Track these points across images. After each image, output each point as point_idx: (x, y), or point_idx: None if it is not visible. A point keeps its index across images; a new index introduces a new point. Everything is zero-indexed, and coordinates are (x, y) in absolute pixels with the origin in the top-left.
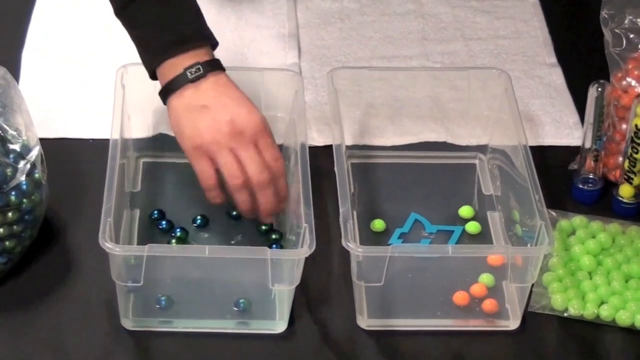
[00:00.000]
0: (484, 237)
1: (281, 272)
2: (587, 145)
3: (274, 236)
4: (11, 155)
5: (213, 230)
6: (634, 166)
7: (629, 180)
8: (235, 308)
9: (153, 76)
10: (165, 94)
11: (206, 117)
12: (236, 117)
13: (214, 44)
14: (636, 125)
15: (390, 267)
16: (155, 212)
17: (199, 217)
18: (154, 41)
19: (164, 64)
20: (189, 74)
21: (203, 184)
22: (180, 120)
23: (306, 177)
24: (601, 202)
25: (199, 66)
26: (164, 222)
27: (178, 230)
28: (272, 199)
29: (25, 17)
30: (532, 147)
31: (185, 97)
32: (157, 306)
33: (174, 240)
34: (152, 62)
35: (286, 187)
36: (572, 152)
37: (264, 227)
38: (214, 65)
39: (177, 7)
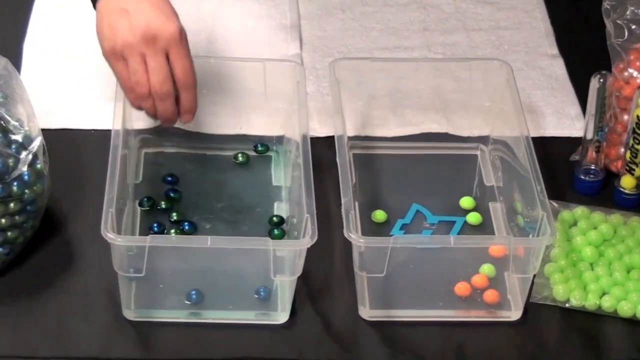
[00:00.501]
0: (485, 228)
1: (283, 262)
2: (589, 136)
3: (275, 230)
4: (13, 146)
5: (216, 220)
6: (636, 157)
7: (630, 171)
8: (256, 296)
9: None
10: (95, 1)
11: (124, 19)
12: (151, 23)
13: None
14: (638, 116)
15: (392, 258)
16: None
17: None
18: None
19: None
20: None
21: (121, 85)
22: (101, 22)
23: (308, 168)
24: (603, 193)
25: None
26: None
27: (186, 224)
28: (172, 109)
29: (27, 7)
30: (533, 138)
31: (109, 2)
32: (187, 302)
33: (172, 231)
34: None
35: (192, 100)
36: (573, 143)
37: (274, 219)
38: None
39: None
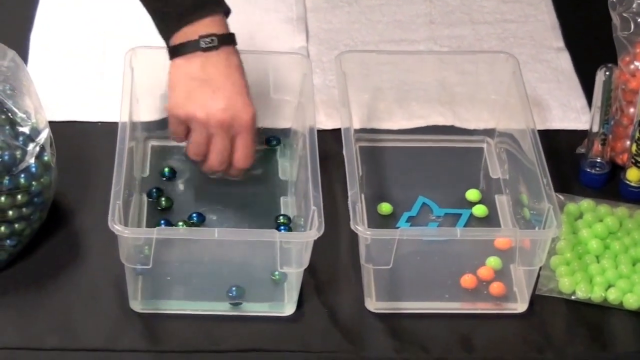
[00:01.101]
0: (491, 220)
1: (290, 254)
2: (595, 129)
3: (282, 219)
4: (20, 138)
5: (223, 213)
6: None
7: (636, 164)
8: (230, 294)
9: (169, 43)
10: (174, 53)
11: (203, 93)
12: (229, 108)
13: (227, 11)
14: None
15: (398, 250)
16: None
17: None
18: (170, 8)
19: (180, 31)
20: (202, 42)
21: (170, 136)
22: (179, 84)
23: (314, 161)
24: (608, 186)
25: (214, 37)
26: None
27: (195, 215)
28: (219, 175)
29: (33, 0)
30: (539, 131)
31: (191, 64)
32: (230, 294)
33: (180, 223)
34: (168, 30)
35: (240, 174)
36: (579, 136)
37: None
38: (228, 40)
39: None
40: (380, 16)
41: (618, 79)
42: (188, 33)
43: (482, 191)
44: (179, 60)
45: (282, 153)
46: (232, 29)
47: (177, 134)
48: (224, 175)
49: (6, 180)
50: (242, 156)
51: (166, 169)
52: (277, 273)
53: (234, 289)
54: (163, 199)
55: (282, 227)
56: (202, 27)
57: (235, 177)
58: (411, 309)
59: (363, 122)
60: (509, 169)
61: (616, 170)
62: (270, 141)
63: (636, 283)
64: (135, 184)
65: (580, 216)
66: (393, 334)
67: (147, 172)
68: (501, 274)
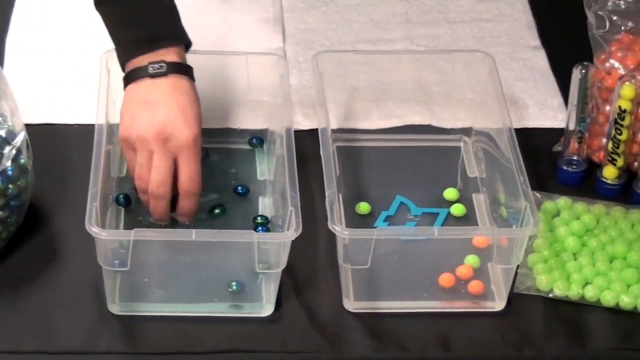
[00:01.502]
0: (468, 219)
1: (267, 255)
2: (571, 127)
3: (259, 219)
4: None
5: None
6: (618, 147)
7: (612, 161)
8: (229, 289)
9: (124, 70)
10: (126, 80)
11: (145, 113)
12: (169, 124)
13: (187, 44)
14: (619, 107)
15: (376, 249)
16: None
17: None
18: (127, 38)
19: (133, 60)
20: (150, 68)
21: (129, 173)
22: (127, 109)
23: (292, 161)
24: (585, 184)
25: (164, 64)
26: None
27: (121, 196)
28: (163, 211)
29: (9, 2)
30: (516, 130)
31: (138, 88)
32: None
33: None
34: (123, 57)
35: (193, 207)
36: (556, 134)
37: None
38: (181, 69)
39: (152, 4)
40: (356, 16)
41: (594, 77)
42: (140, 61)
43: (460, 190)
44: (130, 87)
45: (260, 153)
46: (208, 30)
47: (131, 163)
48: (174, 216)
49: None
50: (186, 178)
51: (121, 197)
52: (233, 283)
53: (233, 283)
54: (121, 195)
55: (260, 228)
56: (154, 56)
57: (184, 221)
58: (389, 308)
59: (340, 122)
60: (486, 167)
61: (593, 168)
62: (252, 141)
63: (613, 280)
64: (112, 185)
65: (557, 214)
66: (372, 333)
67: (123, 173)
68: (479, 273)
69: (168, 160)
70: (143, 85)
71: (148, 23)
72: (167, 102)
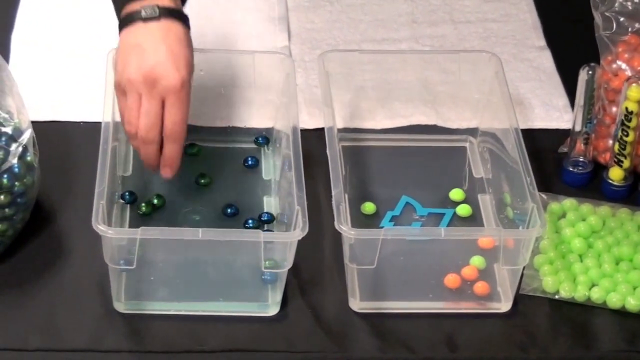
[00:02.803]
0: (474, 220)
1: (274, 254)
2: (578, 128)
3: (265, 217)
4: (3, 138)
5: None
6: (624, 149)
7: (619, 163)
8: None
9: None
10: (120, 27)
11: (135, 56)
12: (157, 66)
13: None
14: (626, 108)
15: (382, 249)
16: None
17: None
18: None
19: (127, 5)
20: (143, 12)
21: (122, 121)
22: (118, 54)
23: (298, 160)
24: (591, 185)
25: (156, 8)
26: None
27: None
28: (153, 156)
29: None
30: (521, 130)
31: (131, 33)
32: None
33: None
34: (119, 4)
35: (175, 154)
36: (561, 135)
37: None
38: (174, 14)
39: None
40: (362, 15)
41: (600, 78)
42: (134, 6)
43: (466, 191)
44: (123, 33)
45: (266, 153)
46: (213, 29)
47: (122, 109)
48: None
49: None
50: (170, 121)
51: (126, 193)
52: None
53: (228, 209)
54: (143, 204)
55: (266, 227)
56: (147, 1)
57: (166, 176)
58: (395, 308)
59: (346, 122)
60: (492, 168)
61: (599, 169)
62: (258, 140)
63: (619, 282)
64: (118, 183)
65: (563, 215)
66: (377, 333)
67: (129, 172)
68: (485, 274)
69: (156, 104)
70: (135, 29)
71: None
72: (157, 46)
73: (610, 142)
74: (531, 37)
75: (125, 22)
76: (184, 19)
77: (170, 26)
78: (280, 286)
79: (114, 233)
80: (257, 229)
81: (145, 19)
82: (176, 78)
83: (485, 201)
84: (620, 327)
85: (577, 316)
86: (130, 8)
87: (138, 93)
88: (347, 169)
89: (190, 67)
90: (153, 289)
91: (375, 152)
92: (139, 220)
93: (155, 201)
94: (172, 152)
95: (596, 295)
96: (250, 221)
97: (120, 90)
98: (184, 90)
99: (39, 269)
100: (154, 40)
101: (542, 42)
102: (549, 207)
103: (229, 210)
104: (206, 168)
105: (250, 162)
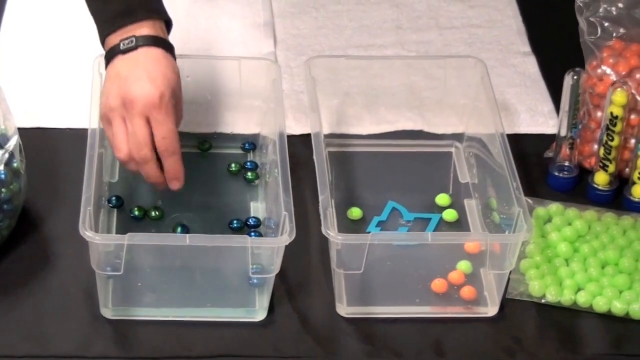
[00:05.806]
0: (460, 224)
1: (261, 260)
2: (563, 133)
3: (252, 222)
4: None
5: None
6: (609, 154)
7: (604, 167)
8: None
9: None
10: (106, 62)
11: (115, 85)
12: (134, 87)
13: (166, 19)
14: (611, 113)
15: (369, 254)
16: (113, 198)
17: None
18: (102, 15)
19: (110, 36)
20: (122, 44)
21: (113, 150)
22: (102, 88)
23: (285, 166)
24: (577, 190)
25: (133, 38)
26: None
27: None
28: (154, 173)
29: (0, 6)
30: (507, 135)
31: (112, 67)
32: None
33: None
34: (101, 36)
35: (177, 167)
36: (547, 140)
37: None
38: (151, 41)
39: None
40: (347, 21)
41: (585, 83)
42: (113, 39)
43: (452, 195)
44: (107, 67)
45: (252, 158)
46: (199, 35)
47: (110, 140)
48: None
49: None
50: (159, 138)
51: (113, 198)
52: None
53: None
54: (135, 208)
55: (252, 233)
56: (125, 33)
57: (175, 188)
58: (382, 313)
59: (332, 127)
60: (477, 173)
61: (584, 173)
62: (245, 146)
63: (605, 286)
64: (105, 190)
65: (549, 220)
66: (364, 338)
67: (116, 178)
68: (471, 278)
69: (140, 123)
70: (116, 63)
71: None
72: (133, 71)
73: (596, 146)
74: (516, 42)
75: (107, 57)
76: (165, 46)
77: (147, 52)
78: (268, 291)
79: (101, 239)
80: (241, 229)
81: (124, 51)
82: (153, 94)
83: (472, 206)
84: (607, 330)
85: (564, 320)
86: (111, 42)
87: (121, 117)
88: (334, 174)
89: (169, 82)
90: (140, 295)
91: (362, 158)
92: (126, 225)
93: (153, 213)
94: (173, 165)
95: (582, 299)
96: (235, 222)
97: (105, 120)
98: (163, 103)
99: (26, 275)
100: (131, 67)
101: (527, 47)
102: (535, 212)
103: (235, 223)
104: (193, 174)
105: (236, 168)
